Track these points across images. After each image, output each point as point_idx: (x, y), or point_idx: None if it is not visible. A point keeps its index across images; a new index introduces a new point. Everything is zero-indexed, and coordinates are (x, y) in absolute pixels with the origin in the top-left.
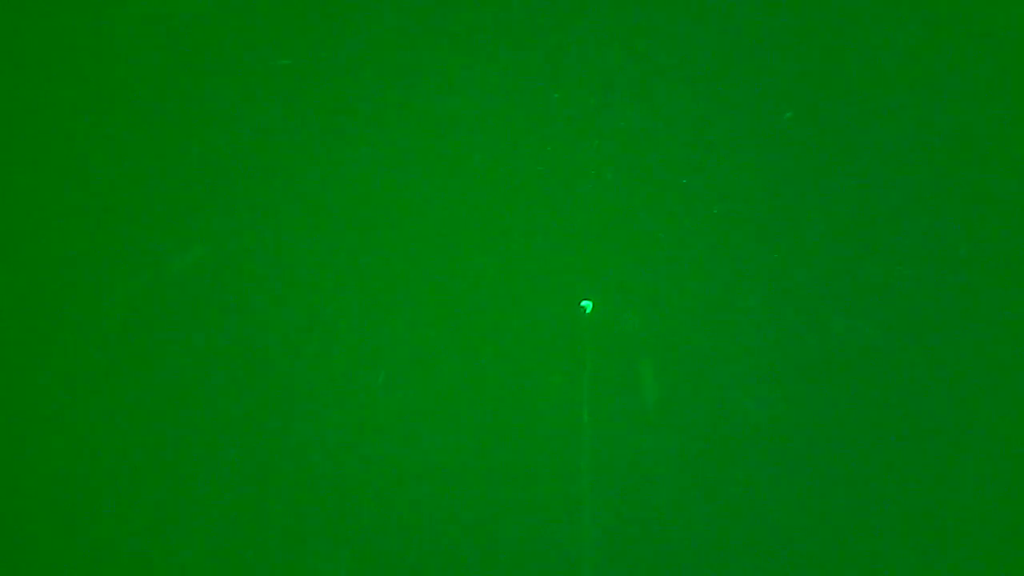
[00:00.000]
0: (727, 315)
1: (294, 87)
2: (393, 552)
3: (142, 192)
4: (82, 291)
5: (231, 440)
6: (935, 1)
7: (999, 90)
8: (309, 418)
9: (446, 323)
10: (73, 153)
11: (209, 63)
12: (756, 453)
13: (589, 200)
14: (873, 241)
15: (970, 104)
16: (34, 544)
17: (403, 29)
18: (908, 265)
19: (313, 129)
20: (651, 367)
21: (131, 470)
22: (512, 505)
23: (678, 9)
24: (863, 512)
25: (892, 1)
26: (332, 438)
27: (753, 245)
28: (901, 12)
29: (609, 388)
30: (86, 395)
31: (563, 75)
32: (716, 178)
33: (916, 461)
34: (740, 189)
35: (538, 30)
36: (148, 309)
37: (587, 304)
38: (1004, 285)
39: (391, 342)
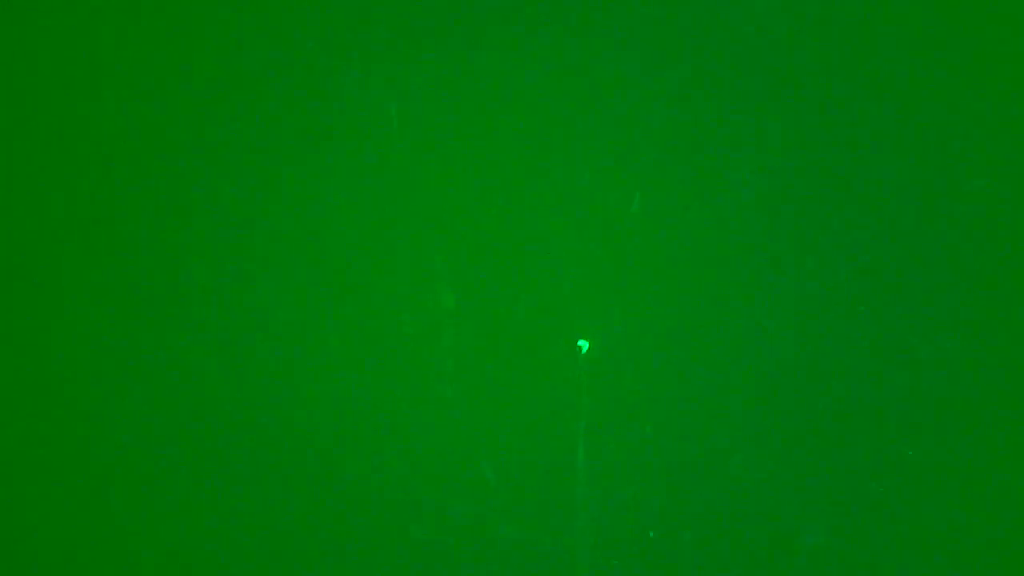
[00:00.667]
0: (729, 338)
1: (292, 86)
2: (388, 565)
3: (135, 186)
4: (78, 290)
5: (224, 441)
6: (938, 3)
7: (1001, 90)
8: (304, 432)
9: (441, 349)
10: (67, 149)
11: (206, 62)
12: (756, 475)
13: (584, 225)
14: (872, 243)
15: (973, 105)
16: (34, 543)
17: (400, 27)
18: (909, 268)
19: (301, 131)
20: (648, 399)
21: (128, 470)
22: (508, 528)
23: (678, 7)
24: (865, 523)
25: (896, 3)
26: (325, 460)
27: (753, 260)
28: (906, 12)
29: (605, 421)
30: (86, 394)
31: (567, 94)
32: (713, 189)
33: (917, 463)
34: (738, 196)
35: (536, 33)
36: (147, 307)
37: (583, 344)
38: (1006, 287)
39: (389, 355)
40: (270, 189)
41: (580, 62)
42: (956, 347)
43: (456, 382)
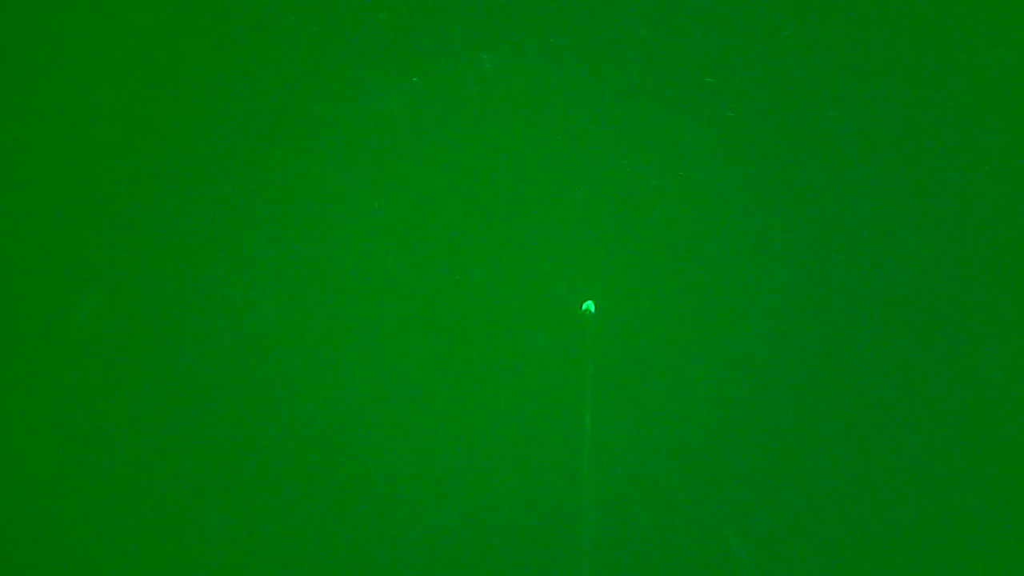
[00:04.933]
0: (727, 317)
1: (294, 94)
2: (395, 551)
3: (138, 192)
4: (80, 292)
5: (239, 442)
6: (935, 4)
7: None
8: (313, 422)
9: (450, 326)
10: (75, 153)
11: (210, 66)
12: (758, 453)
13: (591, 203)
14: (873, 242)
15: (967, 106)
16: (33, 540)
17: (399, 30)
18: (909, 266)
19: (312, 133)
20: (653, 369)
21: (127, 469)
22: (513, 506)
23: (673, 10)
24: (863, 511)
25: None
26: (336, 438)
27: (754, 248)
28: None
29: (611, 391)
30: (88, 395)
31: (561, 79)
32: (715, 178)
33: (917, 462)
34: (738, 190)
35: (534, 33)
36: (147, 309)
37: (590, 304)
38: (1003, 287)
39: (396, 344)
40: (265, 185)
41: (590, 60)
42: (959, 345)
43: (465, 346)
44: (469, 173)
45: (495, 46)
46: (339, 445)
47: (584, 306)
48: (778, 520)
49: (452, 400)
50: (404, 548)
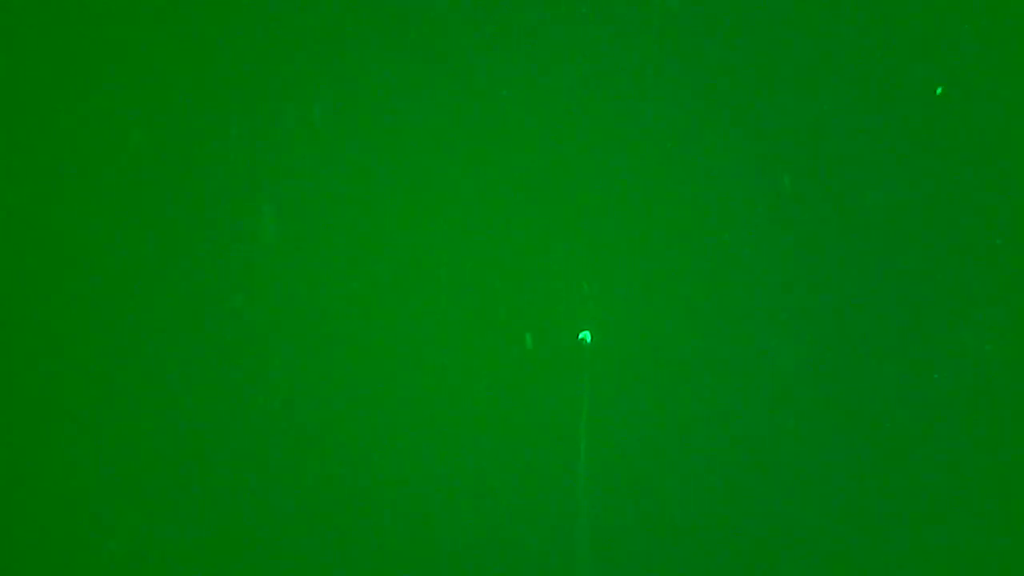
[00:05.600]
0: (728, 333)
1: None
2: (386, 568)
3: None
4: (79, 288)
5: (224, 442)
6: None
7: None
8: (303, 437)
9: (442, 347)
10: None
11: (214, 65)
12: (759, 470)
13: (586, 213)
14: (876, 244)
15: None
16: (33, 541)
17: (396, 28)
18: (915, 270)
19: (304, 131)
20: (651, 393)
21: (127, 468)
22: (508, 529)
23: (673, 8)
24: (867, 520)
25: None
26: (324, 460)
27: (755, 256)
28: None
29: (607, 416)
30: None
31: (564, 92)
32: (714, 182)
33: (920, 468)
34: (737, 191)
35: (533, 32)
36: (144, 312)
37: (586, 335)
38: (1009, 290)
39: (390, 355)
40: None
41: (587, 60)
42: (960, 349)
43: (458, 373)
44: (467, 175)
45: (496, 46)
46: (330, 456)
47: (580, 336)
48: (781, 528)
49: (447, 403)
50: (392, 550)
